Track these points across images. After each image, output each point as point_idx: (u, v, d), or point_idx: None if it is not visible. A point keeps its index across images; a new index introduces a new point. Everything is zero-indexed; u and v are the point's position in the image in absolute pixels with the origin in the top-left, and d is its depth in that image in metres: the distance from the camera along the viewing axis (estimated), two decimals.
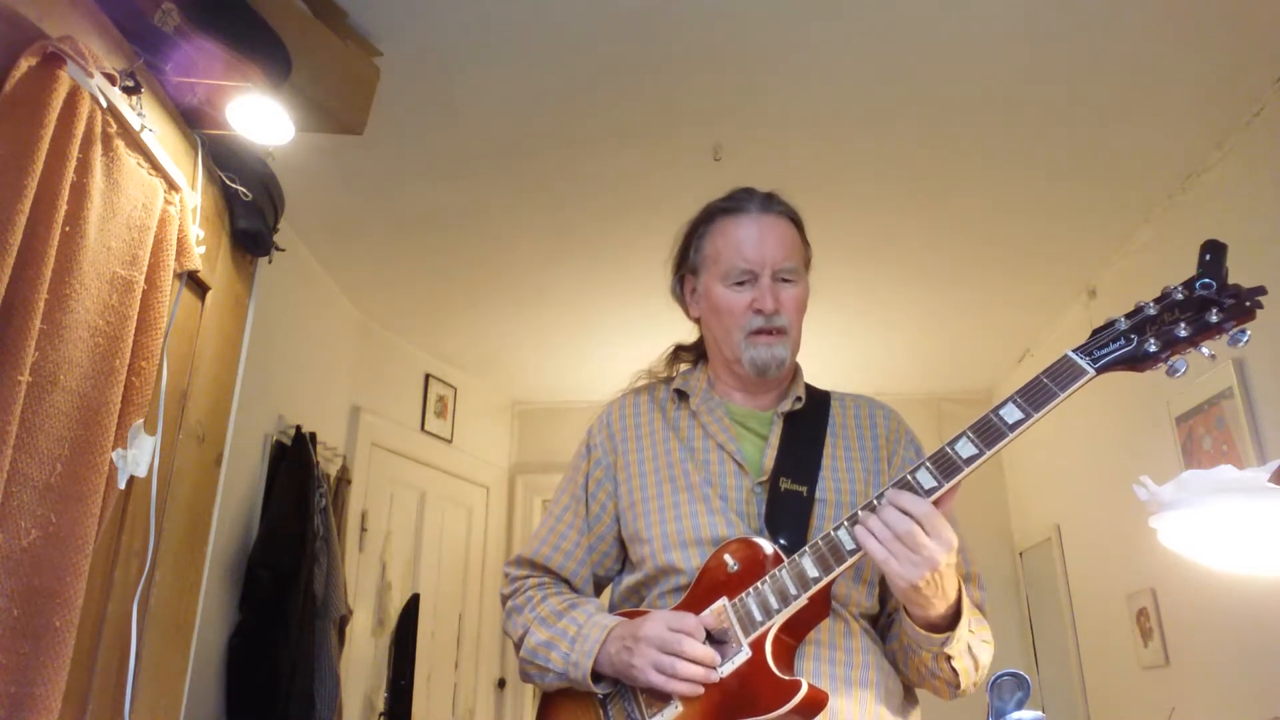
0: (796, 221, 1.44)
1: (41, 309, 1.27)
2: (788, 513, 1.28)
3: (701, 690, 1.15)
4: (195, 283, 1.83)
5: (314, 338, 3.41)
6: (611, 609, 1.41)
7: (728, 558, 1.23)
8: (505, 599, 1.47)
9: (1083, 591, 3.68)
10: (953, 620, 1.16)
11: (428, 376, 4.23)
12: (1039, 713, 0.94)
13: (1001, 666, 1.06)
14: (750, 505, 1.31)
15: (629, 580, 1.38)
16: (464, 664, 4.17)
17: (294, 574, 2.74)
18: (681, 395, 1.47)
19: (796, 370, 1.47)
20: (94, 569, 1.41)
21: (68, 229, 1.34)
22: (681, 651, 1.15)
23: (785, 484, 1.31)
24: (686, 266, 1.48)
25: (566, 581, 1.44)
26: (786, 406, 1.41)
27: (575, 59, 2.33)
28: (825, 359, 4.07)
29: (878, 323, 3.87)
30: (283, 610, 2.70)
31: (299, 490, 2.89)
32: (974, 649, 1.22)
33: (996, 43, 2.25)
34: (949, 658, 1.17)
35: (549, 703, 1.35)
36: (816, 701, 1.12)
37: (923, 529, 1.07)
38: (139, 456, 1.56)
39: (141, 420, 1.56)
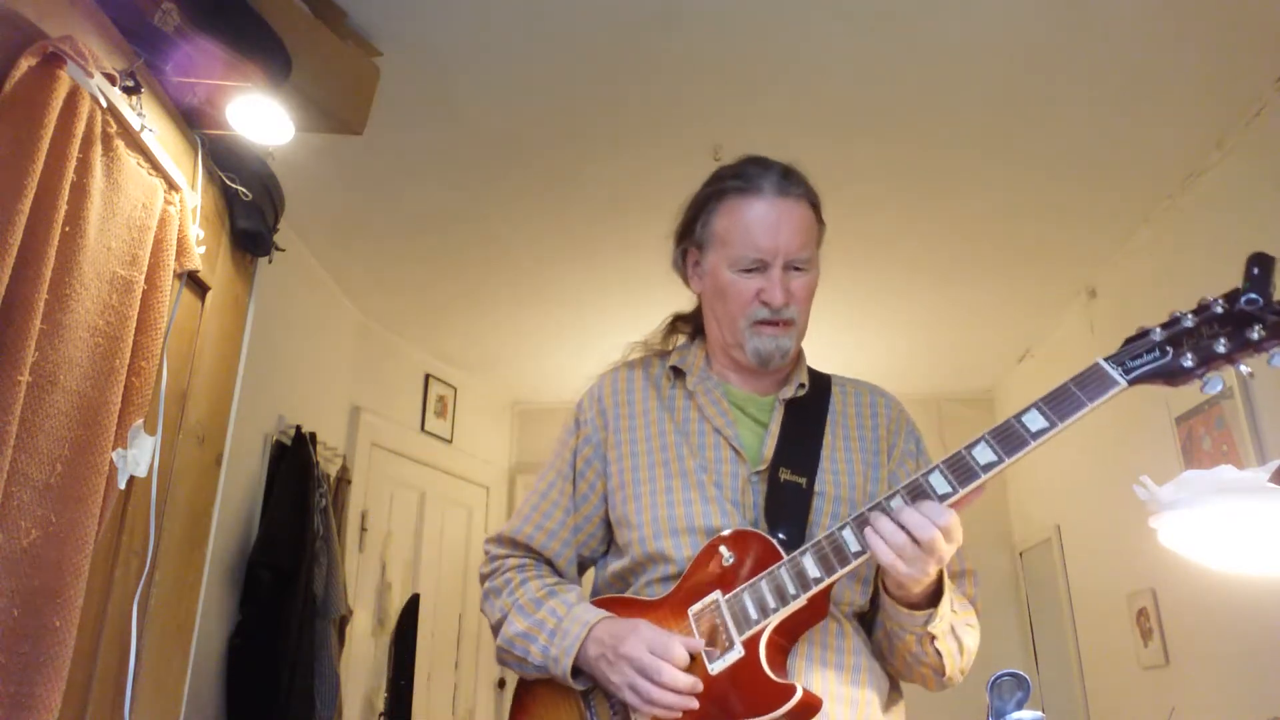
0: (813, 202, 1.35)
1: (41, 309, 1.27)
2: (787, 505, 1.23)
3: (679, 716, 1.10)
4: (195, 283, 1.83)
5: (314, 338, 3.41)
6: (595, 594, 1.35)
7: (723, 550, 1.18)
8: (484, 578, 1.41)
9: (1083, 591, 3.68)
10: (933, 597, 1.15)
11: (428, 376, 4.22)
12: (1039, 713, 0.93)
13: (1001, 666, 1.05)
14: (746, 495, 1.26)
15: (615, 566, 1.32)
16: (464, 664, 4.17)
17: (294, 574, 2.74)
18: (678, 372, 1.40)
19: (799, 354, 1.40)
20: (94, 569, 1.41)
21: (68, 229, 1.34)
22: (660, 680, 1.09)
23: (785, 474, 1.26)
24: (691, 240, 1.38)
25: (549, 562, 1.37)
26: (789, 393, 1.35)
27: (575, 59, 2.33)
28: (825, 359, 4.02)
29: (878, 323, 3.87)
30: (283, 610, 2.70)
31: (299, 490, 2.89)
32: (958, 631, 1.19)
33: (996, 42, 2.25)
34: (933, 638, 1.15)
35: (528, 689, 1.31)
36: (810, 707, 1.08)
37: (943, 538, 1.06)
38: (139, 456, 1.56)
39: (141, 420, 1.56)
